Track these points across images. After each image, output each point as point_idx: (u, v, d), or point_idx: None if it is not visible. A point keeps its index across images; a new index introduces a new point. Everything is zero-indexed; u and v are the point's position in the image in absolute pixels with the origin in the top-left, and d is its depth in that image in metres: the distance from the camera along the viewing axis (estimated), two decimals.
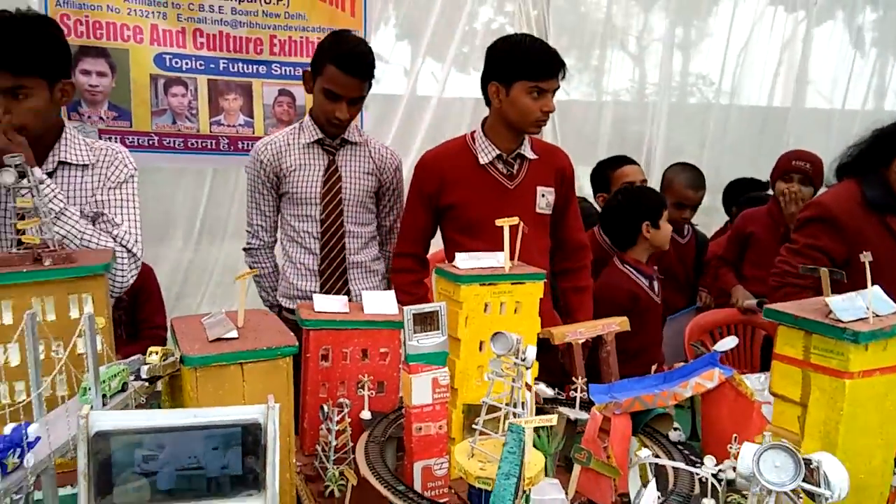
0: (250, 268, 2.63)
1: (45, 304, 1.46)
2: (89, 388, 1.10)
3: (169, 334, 1.39)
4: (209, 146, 3.24)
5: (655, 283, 2.70)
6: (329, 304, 1.70)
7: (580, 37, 4.53)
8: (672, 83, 4.86)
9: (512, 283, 1.61)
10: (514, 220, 1.62)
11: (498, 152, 2.29)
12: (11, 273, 1.43)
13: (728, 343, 1.77)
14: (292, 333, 1.34)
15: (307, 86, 2.50)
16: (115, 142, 3.09)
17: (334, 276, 2.53)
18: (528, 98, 2.18)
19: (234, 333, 1.29)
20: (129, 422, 0.78)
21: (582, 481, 1.43)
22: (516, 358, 1.16)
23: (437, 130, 3.83)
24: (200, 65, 3.18)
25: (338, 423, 1.51)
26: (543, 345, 1.98)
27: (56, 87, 1.86)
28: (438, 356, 1.41)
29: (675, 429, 1.76)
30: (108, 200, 1.94)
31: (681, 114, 4.80)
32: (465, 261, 1.63)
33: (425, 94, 3.99)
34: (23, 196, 1.48)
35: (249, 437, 0.80)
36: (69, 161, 1.90)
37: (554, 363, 2.05)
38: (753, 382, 1.85)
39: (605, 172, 3.32)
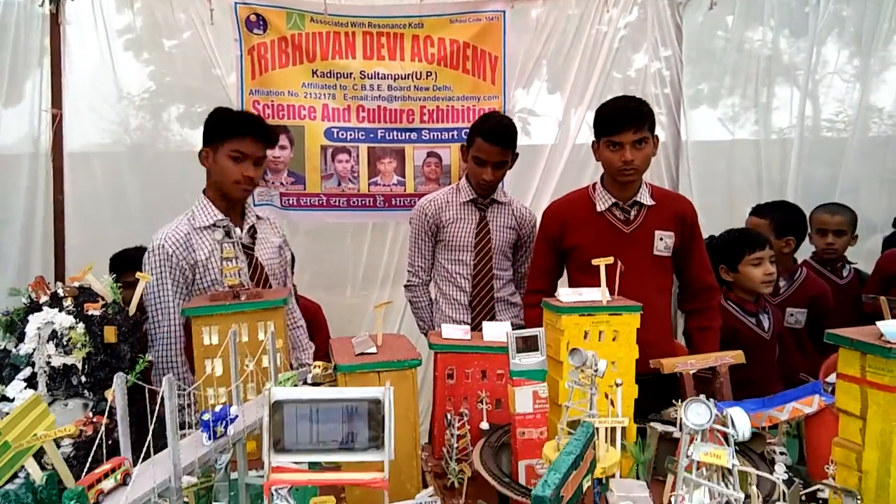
0: (410, 302, 3.21)
1: (241, 329, 1.96)
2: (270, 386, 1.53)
3: (329, 351, 1.81)
4: (367, 203, 3.80)
5: (765, 320, 2.78)
6: (454, 332, 2.06)
7: (744, 75, 4.53)
8: (847, 117, 4.67)
9: (609, 315, 1.87)
10: (609, 260, 1.89)
11: (614, 200, 2.55)
12: (218, 306, 1.95)
13: None
14: (418, 351, 1.70)
15: (463, 156, 3.12)
16: (293, 202, 3.74)
17: (484, 310, 3.02)
18: (608, 151, 2.48)
19: (373, 350, 1.69)
20: (295, 395, 1.17)
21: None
22: (591, 370, 1.43)
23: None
24: (362, 135, 3.76)
25: (458, 428, 1.84)
26: (663, 377, 2.18)
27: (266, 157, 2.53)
28: (538, 373, 1.69)
29: (782, 453, 1.89)
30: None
31: (860, 149, 4.57)
32: (569, 295, 1.92)
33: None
34: (228, 248, 2.01)
35: (373, 408, 1.16)
36: (260, 215, 2.57)
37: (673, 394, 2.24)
38: None
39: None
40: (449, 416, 1.90)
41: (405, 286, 3.17)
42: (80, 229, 3.74)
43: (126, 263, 3.14)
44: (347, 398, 1.16)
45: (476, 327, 2.96)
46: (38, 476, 1.19)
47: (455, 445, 1.83)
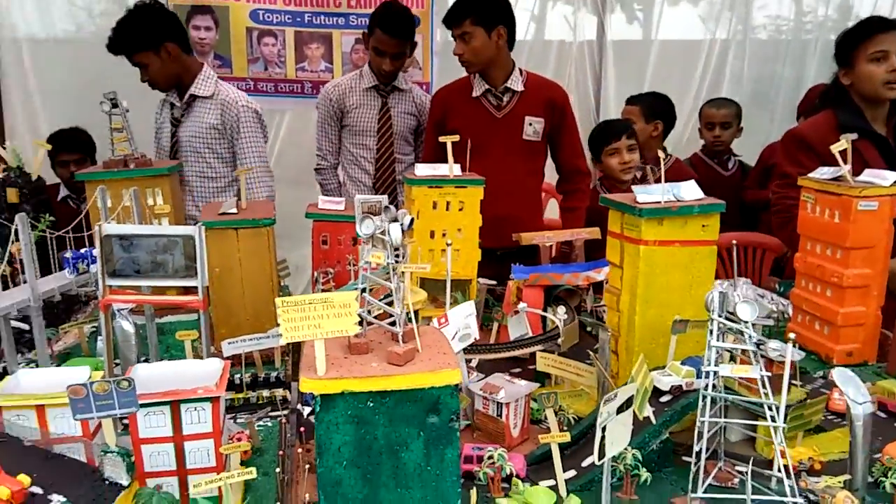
0: (320, 185, 3.46)
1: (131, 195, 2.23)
2: None
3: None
4: (294, 90, 3.98)
5: None
6: (329, 204, 2.33)
7: None
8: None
9: (455, 187, 2.14)
10: (455, 138, 2.14)
11: (487, 86, 2.79)
12: (108, 172, 2.21)
13: None
14: (275, 211, 1.99)
15: (365, 44, 3.31)
16: None
17: (387, 192, 3.29)
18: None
19: (234, 210, 1.97)
20: (122, 230, 1.46)
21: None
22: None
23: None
24: (288, 18, 3.90)
25: (323, 284, 2.16)
26: (525, 250, 2.49)
27: (162, 51, 2.78)
28: None
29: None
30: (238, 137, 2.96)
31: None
32: (423, 169, 2.19)
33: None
34: (116, 120, 2.24)
35: (188, 243, 1.45)
36: (197, 94, 2.92)
37: None
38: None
39: None
40: (316, 274, 2.21)
41: (315, 169, 3.41)
42: None
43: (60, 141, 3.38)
44: (166, 234, 1.45)
45: None
46: None
47: None
